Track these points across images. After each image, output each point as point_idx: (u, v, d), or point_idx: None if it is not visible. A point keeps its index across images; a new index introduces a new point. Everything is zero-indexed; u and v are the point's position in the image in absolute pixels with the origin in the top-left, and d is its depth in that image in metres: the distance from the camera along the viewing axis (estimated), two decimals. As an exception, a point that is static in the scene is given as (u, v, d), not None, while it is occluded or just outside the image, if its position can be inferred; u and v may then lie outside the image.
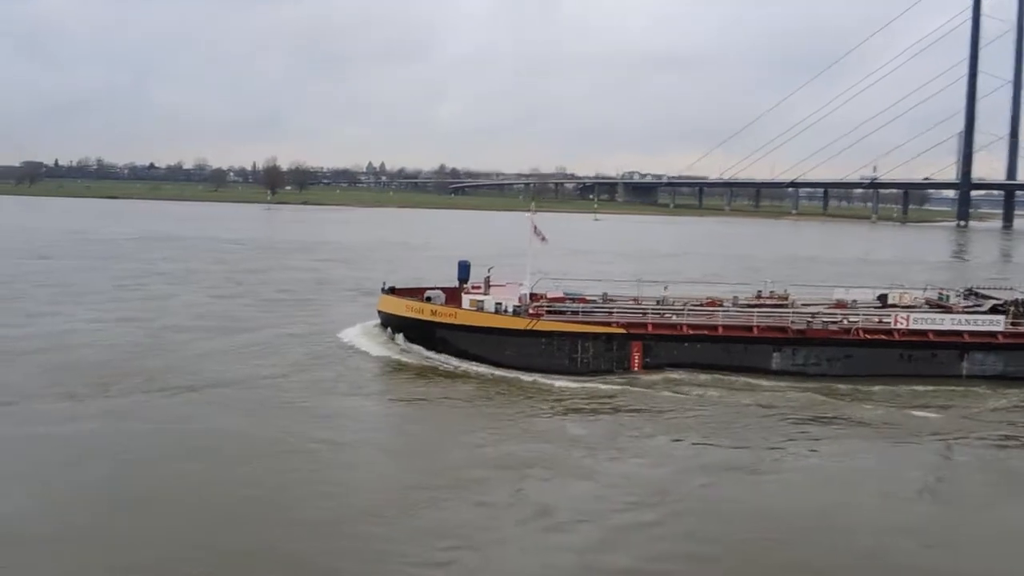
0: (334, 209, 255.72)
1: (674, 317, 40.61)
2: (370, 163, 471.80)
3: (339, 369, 37.95)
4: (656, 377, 38.07)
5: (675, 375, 38.22)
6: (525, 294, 41.70)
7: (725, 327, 39.82)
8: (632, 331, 39.44)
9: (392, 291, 45.17)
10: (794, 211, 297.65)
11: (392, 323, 43.47)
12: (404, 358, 40.06)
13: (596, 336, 39.16)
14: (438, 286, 45.32)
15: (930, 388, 37.37)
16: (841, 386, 37.35)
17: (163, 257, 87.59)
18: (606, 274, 49.31)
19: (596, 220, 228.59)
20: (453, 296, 42.93)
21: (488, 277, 43.46)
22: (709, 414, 32.98)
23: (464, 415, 32.14)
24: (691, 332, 39.56)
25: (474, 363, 39.34)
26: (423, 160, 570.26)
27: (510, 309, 40.40)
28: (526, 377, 37.15)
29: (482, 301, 40.86)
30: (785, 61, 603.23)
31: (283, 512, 22.46)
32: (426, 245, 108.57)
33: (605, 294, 43.43)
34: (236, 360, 38.98)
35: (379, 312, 44.76)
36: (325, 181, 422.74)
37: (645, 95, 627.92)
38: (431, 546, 20.88)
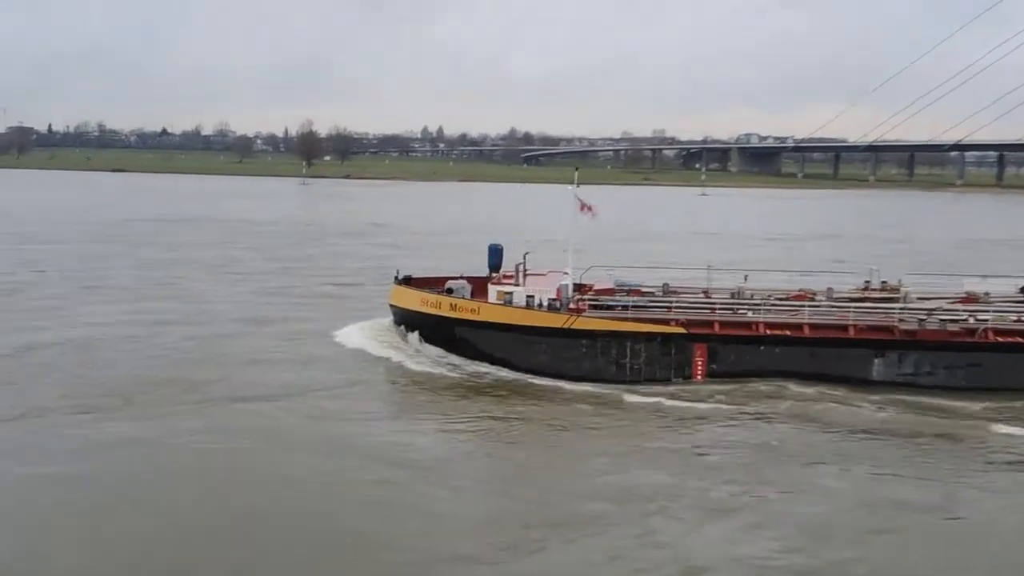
0: (383, 183, 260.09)
1: (750, 314, 40.50)
2: (425, 128, 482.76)
3: (404, 380, 39.06)
4: (725, 387, 38.22)
5: (753, 386, 38.19)
6: (567, 285, 42.12)
7: (812, 327, 39.53)
8: (695, 331, 39.56)
9: (407, 281, 46.19)
10: (959, 181, 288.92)
11: (405, 319, 44.51)
12: (446, 369, 40.63)
13: (649, 337, 39.43)
14: (463, 275, 46.26)
15: None
16: (967, 403, 36.65)
17: (188, 243, 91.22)
18: (721, 263, 49.09)
19: (703, 195, 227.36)
20: (482, 287, 43.81)
21: (520, 264, 44.06)
22: (837, 438, 32.78)
23: (562, 438, 32.30)
24: (769, 332, 39.43)
25: (500, 368, 40.24)
26: (490, 123, 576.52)
27: (544, 303, 41.05)
28: (628, 397, 37.37)
29: (510, 293, 41.59)
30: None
31: (361, 557, 22.54)
32: (497, 226, 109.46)
33: (666, 285, 43.48)
34: (283, 368, 39.98)
35: (391, 306, 45.86)
36: (372, 150, 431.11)
37: (767, 36, 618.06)
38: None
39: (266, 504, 25.53)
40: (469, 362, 41.16)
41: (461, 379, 39.35)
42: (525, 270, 45.19)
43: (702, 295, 43.01)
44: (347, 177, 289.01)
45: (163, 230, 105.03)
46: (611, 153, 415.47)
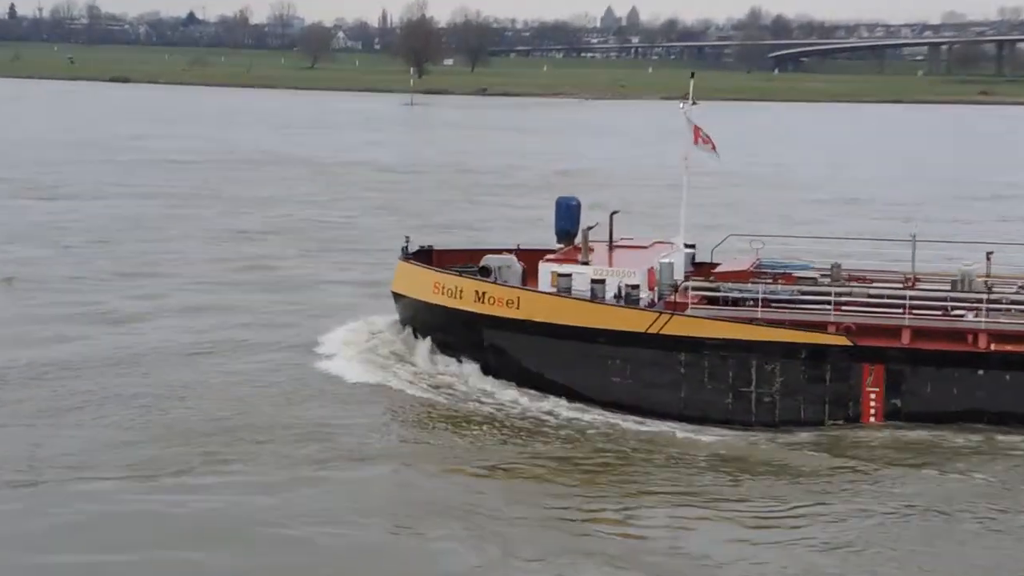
0: (541, 102, 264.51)
1: (969, 316, 40.11)
2: (608, 10, 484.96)
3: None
4: (925, 437, 38.11)
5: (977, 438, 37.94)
6: (668, 264, 42.85)
7: (1075, 340, 38.88)
8: (866, 341, 39.29)
9: (421, 255, 47.67)
10: None
11: (410, 315, 46.03)
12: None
13: (790, 350, 39.42)
14: (519, 247, 47.57)
15: None
16: None
17: (270, 199, 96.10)
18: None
19: None
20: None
21: (589, 229, 44.82)
22: None
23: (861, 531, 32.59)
24: (996, 348, 38.85)
25: (552, 396, 41.25)
26: (714, 4, 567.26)
27: (622, 292, 41.67)
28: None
29: (569, 276, 42.42)
30: None
31: None
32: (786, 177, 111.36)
33: (836, 267, 43.41)
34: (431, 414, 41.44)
35: (393, 295, 47.42)
36: (520, 49, 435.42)
37: None
38: None
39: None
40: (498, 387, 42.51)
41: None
42: (612, 240, 46.24)
43: (900, 284, 42.78)
44: (482, 92, 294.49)
45: (224, 178, 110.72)
46: (925, 49, 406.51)
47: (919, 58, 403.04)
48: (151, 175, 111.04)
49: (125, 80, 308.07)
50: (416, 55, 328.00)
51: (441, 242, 50.19)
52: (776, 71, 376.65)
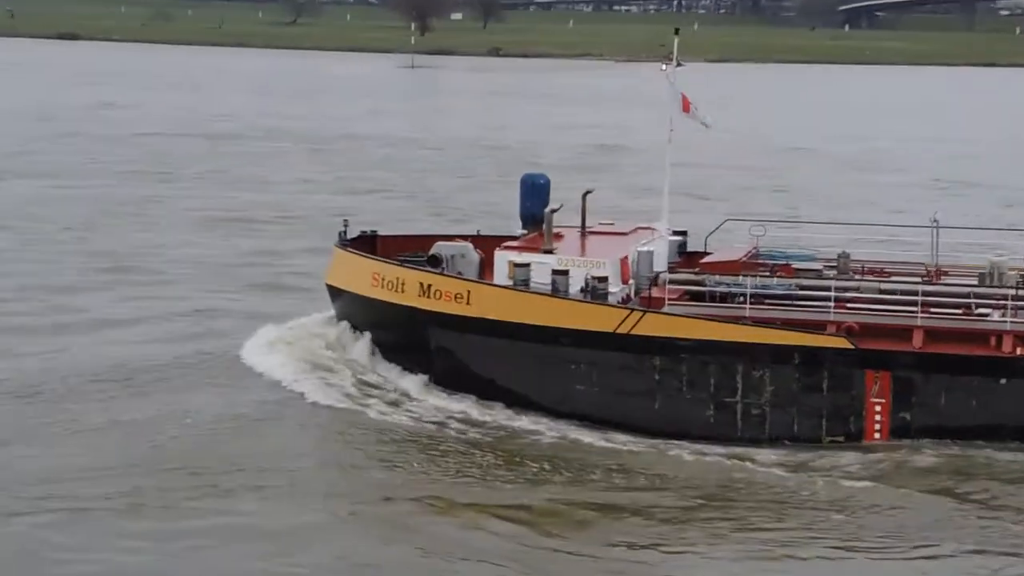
0: (568, 65, 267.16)
1: (995, 315, 40.46)
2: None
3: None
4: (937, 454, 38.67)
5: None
6: (647, 252, 43.31)
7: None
8: (870, 344, 39.72)
9: (363, 241, 48.29)
10: None
11: (348, 313, 46.76)
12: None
13: (781, 354, 39.85)
14: (478, 232, 48.40)
15: None
16: None
17: (273, 182, 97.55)
18: None
19: None
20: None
21: (553, 210, 45.15)
22: None
23: None
24: (1022, 352, 39.04)
25: (519, 410, 41.81)
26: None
27: (590, 286, 41.76)
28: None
29: (527, 266, 42.65)
30: None
31: None
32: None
33: (844, 255, 44.04)
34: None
35: (328, 288, 48.11)
36: (541, 1, 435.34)
37: None
38: None
39: None
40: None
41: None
42: (584, 225, 46.73)
43: (917, 278, 43.10)
44: (496, 53, 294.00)
45: (204, 154, 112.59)
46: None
47: (1016, 12, 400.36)
48: (117, 151, 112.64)
49: (74, 37, 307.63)
50: (418, 8, 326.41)
51: (450, 232, 50.45)
52: (846, 27, 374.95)
